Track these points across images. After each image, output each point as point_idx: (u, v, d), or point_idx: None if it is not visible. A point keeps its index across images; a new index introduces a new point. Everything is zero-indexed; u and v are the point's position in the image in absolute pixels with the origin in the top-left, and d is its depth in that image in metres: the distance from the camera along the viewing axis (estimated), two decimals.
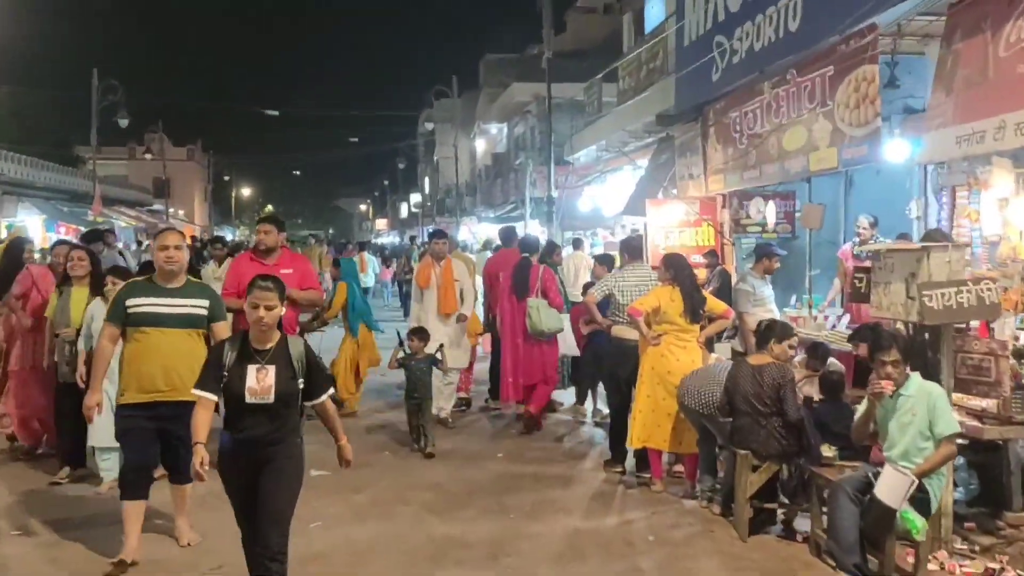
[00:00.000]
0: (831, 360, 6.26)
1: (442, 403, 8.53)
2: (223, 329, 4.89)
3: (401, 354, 7.56)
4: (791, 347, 5.32)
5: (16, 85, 35.49)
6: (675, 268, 6.12)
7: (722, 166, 9.90)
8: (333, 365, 8.99)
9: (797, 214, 10.39)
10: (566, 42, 33.05)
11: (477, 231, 29.51)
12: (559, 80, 20.91)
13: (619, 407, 6.80)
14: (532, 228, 24.25)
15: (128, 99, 25.48)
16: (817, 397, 5.70)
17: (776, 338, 5.25)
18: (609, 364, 6.81)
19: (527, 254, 8.82)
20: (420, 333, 7.72)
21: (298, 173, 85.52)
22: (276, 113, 29.98)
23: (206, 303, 4.92)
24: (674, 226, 11.48)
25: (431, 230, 13.38)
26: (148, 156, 38.03)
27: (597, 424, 8.52)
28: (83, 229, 25.60)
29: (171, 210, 52.35)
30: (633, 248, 6.98)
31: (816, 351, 6.23)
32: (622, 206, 16.46)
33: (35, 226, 24.71)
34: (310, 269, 7.14)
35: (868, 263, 6.12)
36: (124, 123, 26.05)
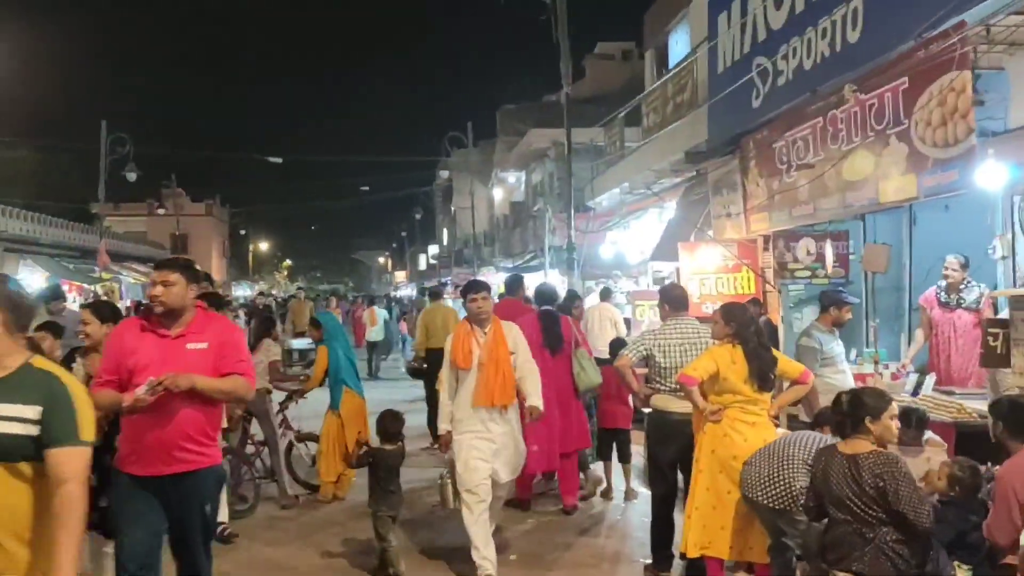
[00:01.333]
0: (928, 435, 4.99)
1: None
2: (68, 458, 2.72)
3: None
4: (892, 418, 4.00)
5: (33, 144, 35.32)
6: (736, 321, 4.89)
7: (766, 203, 8.74)
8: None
9: (852, 256, 9.17)
10: (584, 88, 32.36)
11: (496, 281, 28.42)
12: (578, 125, 20.02)
13: (663, 498, 5.54)
14: (552, 277, 23.19)
15: (141, 153, 24.96)
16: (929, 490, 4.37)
17: (870, 414, 3.96)
18: (650, 443, 5.60)
19: (547, 306, 7.72)
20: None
21: (315, 227, 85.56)
22: (280, 160, 29.07)
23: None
24: (710, 272, 10.32)
25: (461, 283, 12.14)
26: (161, 211, 37.32)
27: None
28: (87, 287, 24.85)
29: None
30: (675, 298, 5.70)
31: (909, 419, 4.90)
32: (648, 251, 15.33)
33: (38, 284, 23.94)
34: (236, 341, 4.23)
35: (999, 314, 4.86)
36: (133, 177, 25.40)
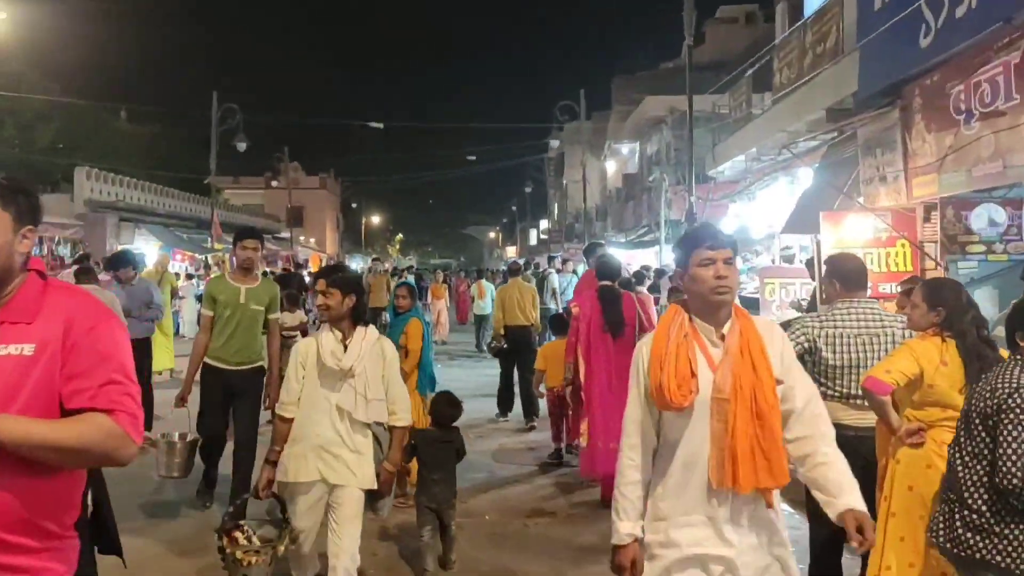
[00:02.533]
0: None
1: None
2: None
3: None
4: None
5: (152, 117, 36.20)
6: (947, 306, 3.53)
7: (935, 162, 7.28)
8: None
9: None
10: (705, 54, 30.68)
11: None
12: (698, 92, 18.58)
13: (828, 544, 4.01)
14: (667, 254, 21.86)
15: (254, 125, 24.98)
16: None
17: None
18: None
19: (607, 281, 6.67)
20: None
21: (428, 202, 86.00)
22: (381, 126, 28.62)
23: None
24: (857, 245, 8.86)
25: (572, 258, 11.11)
26: (275, 184, 37.69)
27: None
28: (199, 256, 25.03)
29: (302, 238, 52.95)
30: (849, 273, 4.15)
31: None
32: (778, 224, 13.85)
33: (152, 253, 24.27)
34: (102, 342, 2.04)
35: None
36: (243, 147, 25.35)
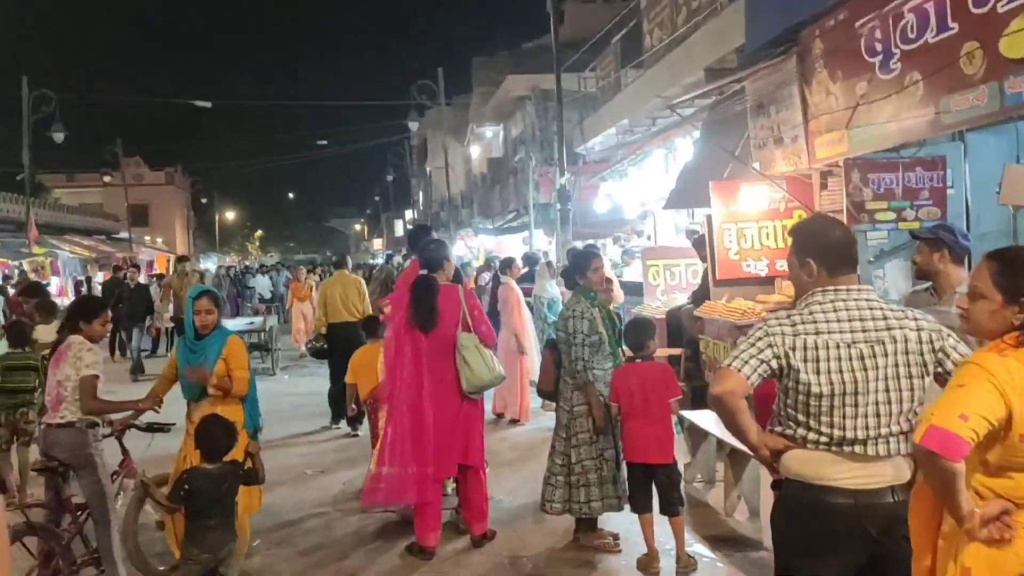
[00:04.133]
0: None
1: None
2: None
3: None
4: None
5: None
6: None
7: (842, 115, 6.25)
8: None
9: (950, 189, 6.76)
10: (564, 33, 29.70)
11: (475, 245, 25.94)
12: (564, 68, 17.50)
13: None
14: (538, 239, 20.76)
15: (88, 118, 22.17)
16: None
17: None
18: (786, 546, 2.67)
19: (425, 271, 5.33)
20: None
21: (287, 196, 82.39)
22: (208, 105, 26.10)
23: None
24: (752, 218, 7.84)
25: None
26: (107, 179, 34.51)
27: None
28: (13, 264, 22.08)
29: (147, 238, 49.14)
30: (833, 246, 2.71)
31: None
32: (652, 202, 12.85)
33: None
34: None
35: None
36: (60, 137, 22.56)
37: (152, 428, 4.70)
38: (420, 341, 5.02)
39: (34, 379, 6.06)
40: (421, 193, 48.04)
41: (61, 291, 21.30)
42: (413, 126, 29.02)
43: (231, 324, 14.17)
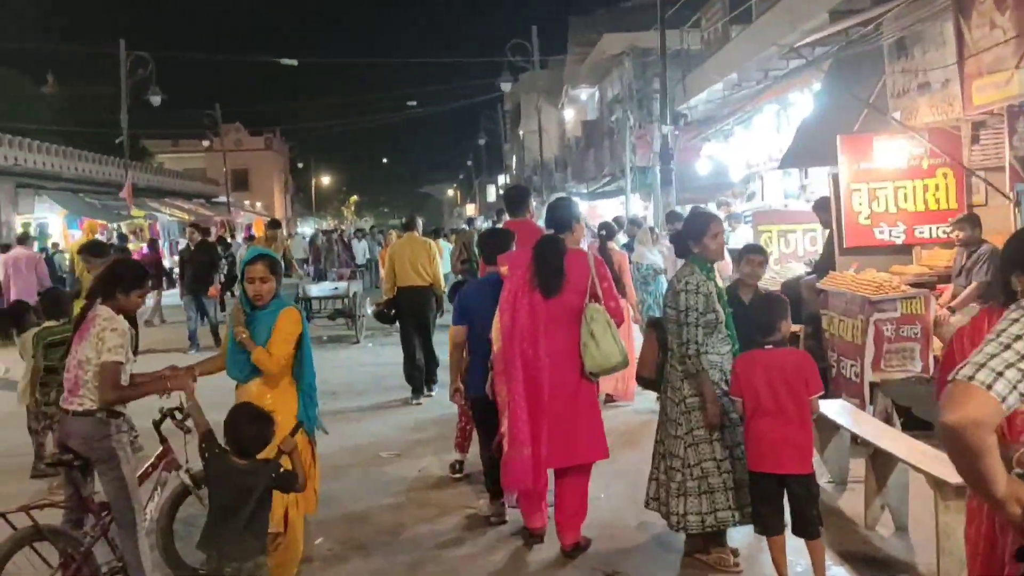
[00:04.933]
0: None
1: None
2: None
3: None
4: None
5: (78, 82, 33.05)
6: None
7: (1011, 53, 5.21)
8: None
9: None
10: None
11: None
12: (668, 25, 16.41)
13: None
14: (634, 203, 19.81)
15: (187, 84, 22.27)
16: None
17: None
18: None
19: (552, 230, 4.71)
20: None
21: (383, 161, 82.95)
22: (295, 63, 25.79)
23: None
24: (888, 177, 6.83)
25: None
26: (205, 143, 35.06)
27: None
28: (113, 226, 22.42)
29: (247, 202, 50.04)
30: None
31: None
32: (761, 162, 11.82)
33: (56, 222, 21.68)
34: None
35: None
36: (157, 101, 22.68)
37: (172, 416, 4.02)
38: (539, 306, 4.36)
39: None
40: (514, 157, 47.30)
41: (159, 255, 21.41)
42: (506, 87, 28.26)
43: (315, 290, 13.90)
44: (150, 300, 15.51)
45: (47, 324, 5.78)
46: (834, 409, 4.98)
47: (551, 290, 4.34)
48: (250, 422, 3.23)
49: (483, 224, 19.52)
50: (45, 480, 5.69)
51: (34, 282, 11.37)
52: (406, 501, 5.42)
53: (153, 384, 3.77)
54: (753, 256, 5.06)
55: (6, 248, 13.15)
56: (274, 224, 14.73)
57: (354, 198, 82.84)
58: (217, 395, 4.08)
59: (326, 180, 70.63)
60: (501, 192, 50.20)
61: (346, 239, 26.76)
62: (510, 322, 4.42)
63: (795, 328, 7.14)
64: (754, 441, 3.76)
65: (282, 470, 3.24)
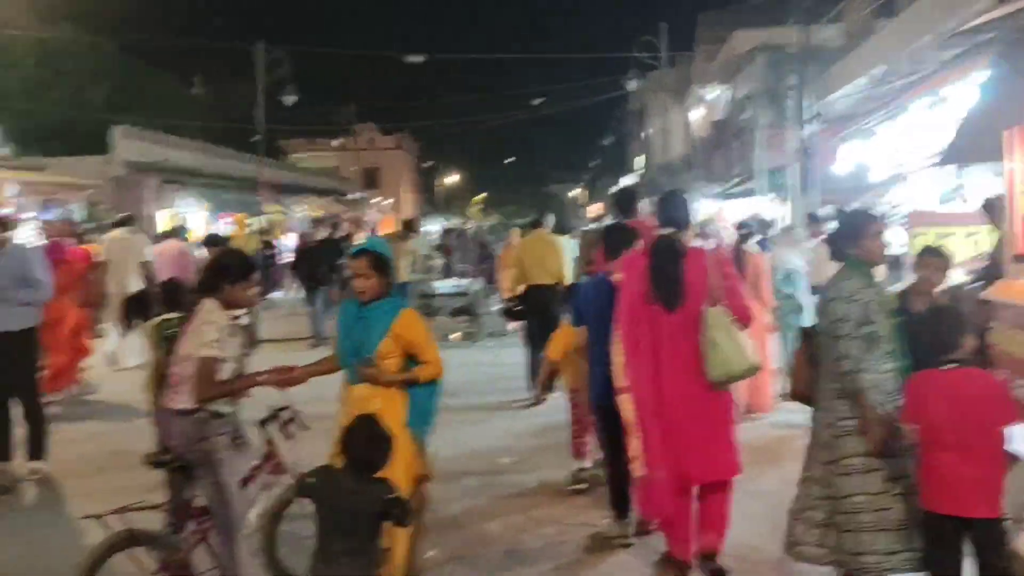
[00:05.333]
0: None
1: None
2: None
3: None
4: None
5: (221, 82, 34.67)
6: None
7: None
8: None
9: None
10: None
11: (698, 209, 24.38)
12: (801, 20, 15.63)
13: None
14: (767, 205, 18.97)
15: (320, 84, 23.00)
16: None
17: None
18: None
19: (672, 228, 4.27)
20: None
21: (508, 161, 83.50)
22: (421, 59, 25.90)
23: None
24: None
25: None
26: (335, 143, 36.21)
27: None
28: (249, 220, 23.26)
29: (375, 200, 51.27)
30: None
31: None
32: (908, 161, 10.97)
33: (197, 217, 22.64)
34: None
35: None
36: (291, 100, 23.38)
37: (277, 417, 3.84)
38: (661, 317, 4.04)
39: None
40: (642, 156, 46.66)
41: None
42: (632, 85, 27.74)
43: (440, 287, 13.83)
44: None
45: (167, 316, 5.77)
46: (1011, 436, 4.38)
47: (672, 302, 4.00)
48: (369, 441, 2.99)
49: (594, 225, 19.08)
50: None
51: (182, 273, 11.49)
52: (523, 514, 5.16)
53: (250, 380, 3.64)
54: (930, 259, 4.50)
55: (160, 238, 13.62)
56: (408, 225, 14.14)
57: (480, 196, 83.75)
58: (324, 389, 3.93)
59: (453, 179, 71.69)
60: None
61: (481, 237, 26.78)
62: (630, 336, 4.10)
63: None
64: (931, 478, 3.26)
65: (395, 495, 2.98)
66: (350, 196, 41.30)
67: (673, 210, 4.32)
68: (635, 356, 4.07)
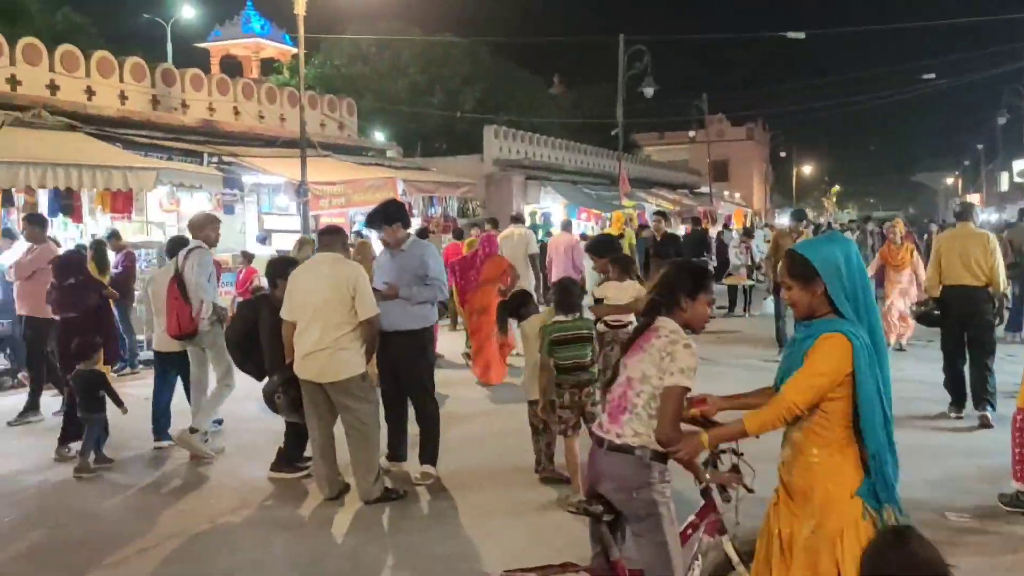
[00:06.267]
0: None
1: None
2: None
3: None
4: None
5: (580, 81, 35.68)
6: None
7: None
8: None
9: None
10: None
11: None
12: None
13: None
14: None
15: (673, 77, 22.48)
16: None
17: None
18: None
19: None
20: None
21: (871, 148, 76.94)
22: (802, 36, 23.59)
23: None
24: None
25: None
26: (690, 134, 35.42)
27: None
28: (606, 215, 23.30)
29: (726, 192, 49.70)
30: None
31: None
32: None
33: (558, 211, 23.15)
34: None
35: None
36: (650, 92, 22.97)
37: (719, 459, 3.03)
38: None
39: (588, 350, 5.18)
40: None
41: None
42: None
43: None
44: None
45: (557, 318, 5.33)
46: None
47: None
48: (900, 569, 2.02)
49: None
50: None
51: (570, 267, 11.34)
52: None
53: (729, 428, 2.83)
54: None
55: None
56: (799, 215, 12.06)
57: (836, 188, 78.19)
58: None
59: (808, 169, 67.55)
60: (1018, 179, 42.84)
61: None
62: None
63: None
64: None
65: None
66: (701, 189, 40.33)
67: None
68: None
